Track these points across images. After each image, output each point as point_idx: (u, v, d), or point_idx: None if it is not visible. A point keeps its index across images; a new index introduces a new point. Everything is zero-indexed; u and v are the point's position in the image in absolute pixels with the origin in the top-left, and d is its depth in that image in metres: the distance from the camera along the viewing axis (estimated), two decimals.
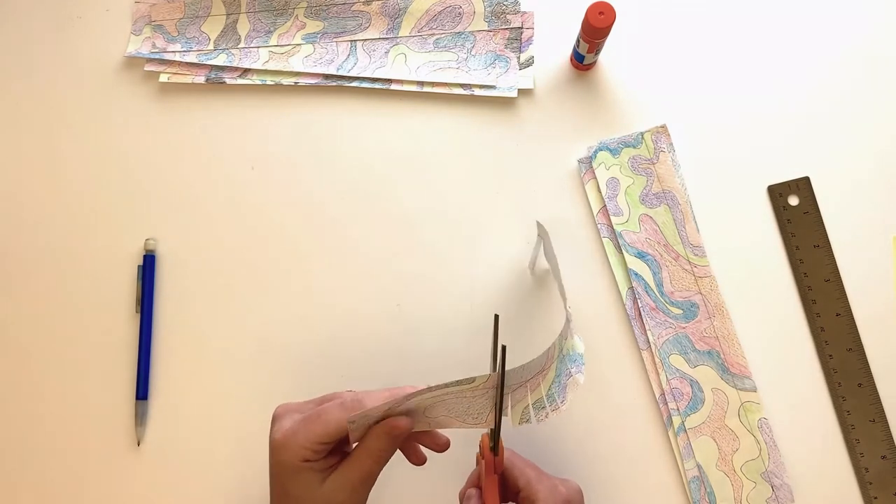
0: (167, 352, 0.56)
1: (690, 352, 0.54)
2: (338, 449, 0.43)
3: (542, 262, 0.54)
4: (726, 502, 0.52)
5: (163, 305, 0.56)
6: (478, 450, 0.45)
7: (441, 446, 0.44)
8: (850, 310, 0.54)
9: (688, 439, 0.53)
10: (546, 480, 0.45)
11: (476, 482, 0.46)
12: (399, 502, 0.53)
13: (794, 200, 0.56)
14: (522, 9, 0.58)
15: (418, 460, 0.46)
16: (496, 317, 0.43)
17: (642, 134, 0.56)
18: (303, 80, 0.58)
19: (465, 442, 0.48)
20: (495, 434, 0.43)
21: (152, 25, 0.59)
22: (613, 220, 0.55)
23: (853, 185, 0.56)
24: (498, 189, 0.57)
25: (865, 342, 0.54)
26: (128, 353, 0.56)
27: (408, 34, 0.58)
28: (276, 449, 0.41)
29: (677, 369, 0.54)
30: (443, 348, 0.54)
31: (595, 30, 0.52)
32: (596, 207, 0.56)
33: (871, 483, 0.52)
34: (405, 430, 0.41)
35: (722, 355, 0.54)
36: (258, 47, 0.58)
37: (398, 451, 0.43)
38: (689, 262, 0.55)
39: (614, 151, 0.56)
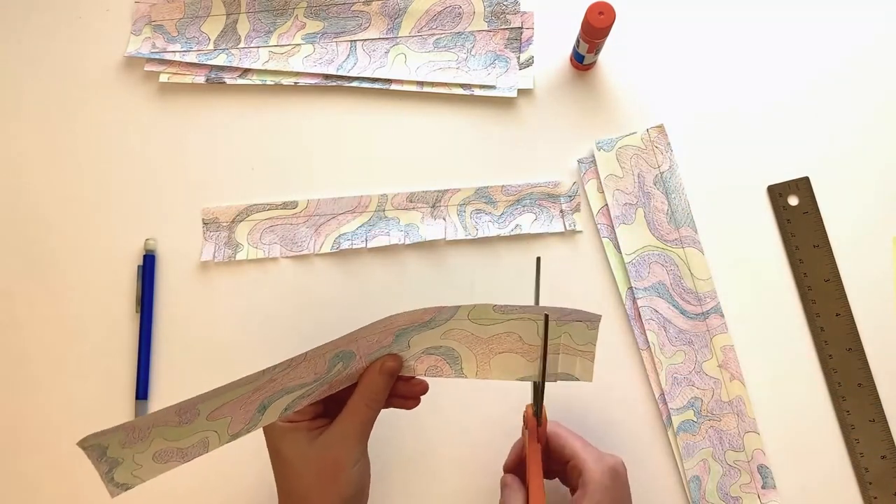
0: (167, 352, 0.56)
1: None
2: (325, 414, 0.43)
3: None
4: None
5: (163, 305, 0.56)
6: (522, 422, 0.46)
7: (419, 394, 0.45)
8: (850, 310, 0.54)
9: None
10: (592, 450, 0.45)
11: (520, 451, 0.46)
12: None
13: (793, 200, 0.56)
14: (522, 9, 0.58)
15: (415, 403, 0.45)
16: (538, 259, 0.44)
17: (641, 134, 0.56)
18: (303, 80, 0.58)
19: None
20: (538, 402, 0.44)
21: (152, 25, 0.59)
22: (614, 220, 0.55)
23: (853, 185, 0.56)
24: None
25: (865, 342, 0.54)
26: (128, 353, 0.56)
27: (408, 34, 0.58)
28: None
29: None
30: None
31: (595, 30, 0.52)
32: (596, 207, 0.56)
33: (871, 483, 0.52)
34: (397, 367, 0.42)
35: (721, 355, 0.54)
36: (258, 47, 0.58)
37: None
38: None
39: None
